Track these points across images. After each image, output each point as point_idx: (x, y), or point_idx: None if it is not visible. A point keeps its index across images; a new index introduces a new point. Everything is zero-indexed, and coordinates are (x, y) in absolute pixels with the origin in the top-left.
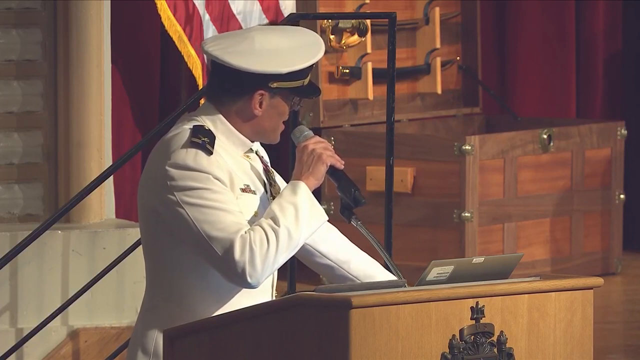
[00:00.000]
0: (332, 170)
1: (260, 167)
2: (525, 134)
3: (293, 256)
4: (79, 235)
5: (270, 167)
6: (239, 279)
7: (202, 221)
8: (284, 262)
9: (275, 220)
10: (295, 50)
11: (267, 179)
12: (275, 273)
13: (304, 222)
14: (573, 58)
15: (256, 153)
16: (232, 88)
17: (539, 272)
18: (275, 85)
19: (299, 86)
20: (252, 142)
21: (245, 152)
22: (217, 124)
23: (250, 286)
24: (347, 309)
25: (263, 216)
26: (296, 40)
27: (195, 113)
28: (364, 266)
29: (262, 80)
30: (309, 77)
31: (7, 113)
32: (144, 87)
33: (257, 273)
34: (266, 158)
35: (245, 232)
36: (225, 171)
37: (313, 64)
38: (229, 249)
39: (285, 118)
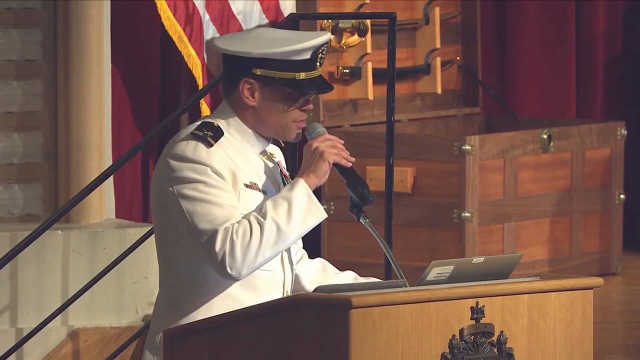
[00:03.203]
0: (340, 168)
1: (277, 169)
2: (525, 134)
3: None
4: (79, 235)
5: (285, 171)
6: (221, 270)
7: (193, 213)
8: (273, 255)
9: (264, 214)
10: (283, 39)
11: (283, 182)
12: (288, 271)
13: (298, 217)
14: (573, 58)
15: (271, 155)
16: (226, 78)
17: (538, 272)
18: (259, 72)
19: (290, 78)
20: (269, 140)
21: (262, 152)
22: (230, 122)
23: (231, 277)
24: (347, 309)
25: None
26: (297, 34)
27: (212, 113)
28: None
29: (245, 67)
30: (312, 72)
31: (7, 113)
32: (144, 87)
33: (237, 264)
34: (282, 162)
35: (231, 224)
36: (225, 165)
37: (296, 53)
38: (211, 239)
39: (294, 115)
